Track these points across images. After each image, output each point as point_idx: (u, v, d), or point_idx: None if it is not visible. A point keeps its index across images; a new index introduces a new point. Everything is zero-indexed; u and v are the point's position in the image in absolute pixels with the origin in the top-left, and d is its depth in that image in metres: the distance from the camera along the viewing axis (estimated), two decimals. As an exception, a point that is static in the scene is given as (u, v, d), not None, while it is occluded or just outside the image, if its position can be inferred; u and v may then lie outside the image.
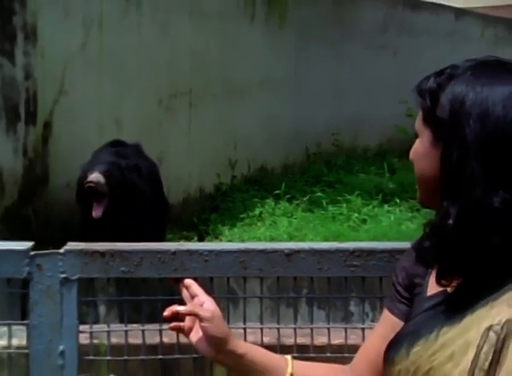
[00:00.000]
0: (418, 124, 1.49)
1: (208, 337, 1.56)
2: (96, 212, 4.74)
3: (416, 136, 1.50)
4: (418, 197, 1.54)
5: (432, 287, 1.49)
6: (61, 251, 1.75)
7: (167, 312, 1.58)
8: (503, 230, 1.34)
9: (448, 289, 1.45)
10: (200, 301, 1.60)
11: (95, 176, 4.72)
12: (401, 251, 1.71)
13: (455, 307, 1.39)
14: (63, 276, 1.73)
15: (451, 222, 1.37)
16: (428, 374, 1.38)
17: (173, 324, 1.60)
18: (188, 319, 1.59)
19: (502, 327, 1.31)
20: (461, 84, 1.41)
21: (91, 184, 4.68)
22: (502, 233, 1.34)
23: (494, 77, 1.40)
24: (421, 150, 1.47)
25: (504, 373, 1.29)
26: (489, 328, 1.32)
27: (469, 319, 1.36)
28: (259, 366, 1.57)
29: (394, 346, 1.46)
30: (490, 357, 1.31)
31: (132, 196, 4.88)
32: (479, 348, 1.32)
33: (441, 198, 1.41)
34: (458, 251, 1.37)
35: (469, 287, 1.38)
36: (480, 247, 1.35)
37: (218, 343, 1.56)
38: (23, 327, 1.77)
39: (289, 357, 1.61)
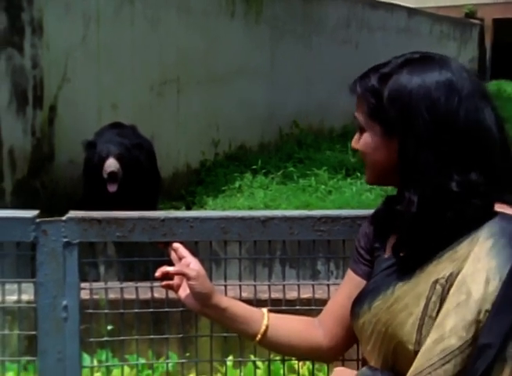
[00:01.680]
0: (362, 119, 1.45)
1: (194, 293, 1.55)
2: (112, 187, 4.70)
3: (362, 130, 1.46)
4: (367, 179, 1.53)
5: (389, 250, 1.49)
6: (63, 218, 1.73)
7: (158, 273, 1.57)
8: (456, 206, 1.33)
9: (401, 252, 1.44)
10: (186, 261, 1.60)
11: (113, 163, 4.70)
12: (361, 218, 1.71)
13: (408, 266, 1.39)
14: (66, 240, 1.71)
15: (414, 209, 1.35)
16: (387, 323, 1.39)
17: (164, 283, 1.59)
18: (176, 277, 1.59)
19: (446, 280, 1.32)
20: (402, 80, 1.38)
21: (113, 173, 4.68)
22: (454, 208, 1.33)
23: (429, 69, 1.38)
24: (372, 143, 1.44)
25: (442, 314, 1.30)
26: (436, 281, 1.33)
27: (419, 275, 1.37)
28: (239, 318, 1.57)
29: (358, 302, 1.47)
30: (437, 306, 1.32)
31: (137, 172, 4.86)
32: (428, 299, 1.33)
33: (402, 187, 1.39)
34: (419, 231, 1.36)
35: (419, 250, 1.38)
36: (436, 223, 1.35)
37: (203, 298, 1.55)
38: (32, 285, 1.75)
39: (265, 310, 1.60)
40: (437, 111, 1.34)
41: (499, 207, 1.35)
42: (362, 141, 1.47)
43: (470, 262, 1.30)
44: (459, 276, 1.30)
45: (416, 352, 1.32)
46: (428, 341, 1.29)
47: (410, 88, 1.36)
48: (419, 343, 1.32)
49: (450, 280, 1.32)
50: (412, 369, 1.30)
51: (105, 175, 4.70)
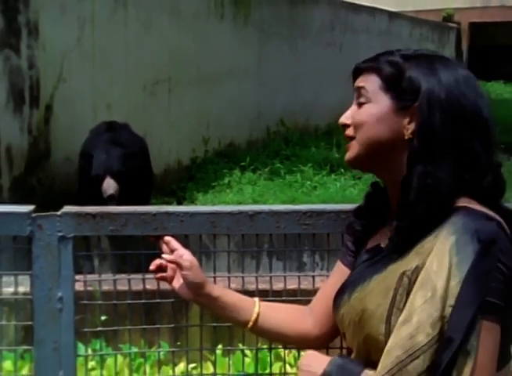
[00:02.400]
0: (372, 90, 1.38)
1: (188, 283, 1.55)
2: (112, 203, 4.64)
3: (362, 103, 1.39)
4: (354, 156, 1.41)
5: (371, 242, 1.48)
6: (58, 213, 1.71)
7: (152, 266, 1.56)
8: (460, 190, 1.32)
9: (382, 244, 1.43)
10: (179, 253, 1.59)
11: (112, 185, 4.64)
12: (345, 212, 1.70)
13: (383, 259, 1.38)
14: (60, 234, 1.69)
15: (443, 174, 1.30)
16: (359, 314, 1.38)
17: (158, 275, 1.58)
18: (169, 269, 1.58)
19: (412, 273, 1.31)
20: (427, 63, 1.35)
21: (112, 195, 4.63)
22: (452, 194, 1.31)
23: (450, 62, 1.38)
24: (378, 114, 1.37)
25: (408, 310, 1.28)
26: (403, 274, 1.31)
27: (390, 268, 1.35)
28: (231, 306, 1.56)
29: (340, 294, 1.46)
30: (404, 298, 1.31)
31: (133, 181, 4.83)
32: (396, 291, 1.32)
33: (415, 161, 1.32)
34: (432, 207, 1.31)
35: (396, 243, 1.36)
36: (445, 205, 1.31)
37: (196, 288, 1.55)
38: (28, 277, 1.73)
39: (256, 299, 1.60)
40: (465, 100, 1.32)
41: (466, 202, 1.32)
42: (363, 112, 1.39)
43: (433, 258, 1.28)
44: (423, 272, 1.28)
45: (386, 343, 1.30)
46: (396, 339, 1.27)
47: (437, 73, 1.34)
48: (388, 334, 1.31)
49: (416, 272, 1.30)
50: (380, 366, 1.28)
51: (104, 196, 4.64)
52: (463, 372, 1.23)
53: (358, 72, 1.44)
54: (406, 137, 1.35)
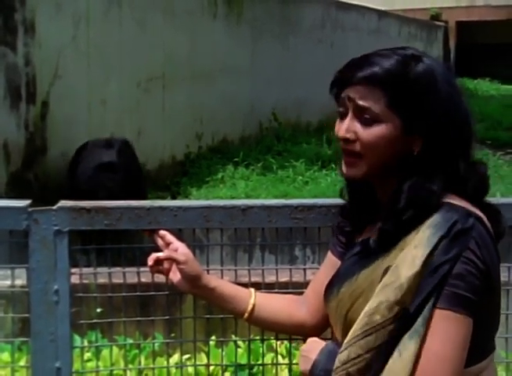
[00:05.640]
0: (379, 109, 1.28)
1: (184, 276, 1.55)
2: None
3: (370, 119, 1.30)
4: (361, 174, 1.36)
5: (360, 235, 1.47)
6: (54, 207, 1.70)
7: (150, 262, 1.56)
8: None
9: (370, 240, 1.40)
10: (174, 247, 1.59)
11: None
12: (336, 207, 1.69)
13: (371, 254, 1.36)
14: (56, 228, 1.68)
15: (435, 187, 1.29)
16: (347, 308, 1.37)
17: (154, 268, 1.58)
18: (166, 262, 1.58)
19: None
20: (425, 69, 1.31)
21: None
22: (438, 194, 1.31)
23: (435, 60, 1.35)
24: (389, 137, 1.30)
25: (375, 292, 1.29)
26: (387, 269, 1.30)
27: (376, 263, 1.34)
28: (227, 297, 1.56)
29: (330, 286, 1.45)
30: None
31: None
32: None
33: (412, 173, 1.30)
34: (419, 215, 1.29)
35: (384, 238, 1.34)
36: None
37: (192, 280, 1.55)
38: (24, 270, 1.72)
39: (252, 290, 1.59)
40: (459, 109, 1.32)
41: (449, 198, 1.31)
42: (373, 132, 1.30)
43: (407, 248, 1.28)
44: (397, 260, 1.28)
45: None
46: (360, 316, 1.29)
47: (432, 74, 1.30)
48: None
49: None
50: (345, 340, 1.31)
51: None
52: (412, 355, 1.23)
53: (347, 79, 1.35)
54: (415, 153, 1.31)
